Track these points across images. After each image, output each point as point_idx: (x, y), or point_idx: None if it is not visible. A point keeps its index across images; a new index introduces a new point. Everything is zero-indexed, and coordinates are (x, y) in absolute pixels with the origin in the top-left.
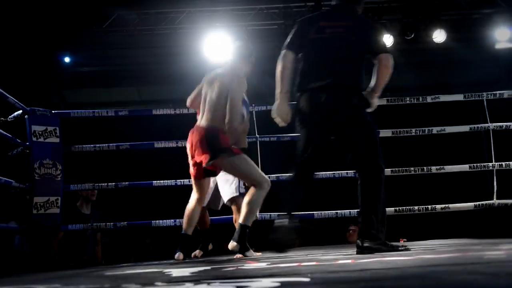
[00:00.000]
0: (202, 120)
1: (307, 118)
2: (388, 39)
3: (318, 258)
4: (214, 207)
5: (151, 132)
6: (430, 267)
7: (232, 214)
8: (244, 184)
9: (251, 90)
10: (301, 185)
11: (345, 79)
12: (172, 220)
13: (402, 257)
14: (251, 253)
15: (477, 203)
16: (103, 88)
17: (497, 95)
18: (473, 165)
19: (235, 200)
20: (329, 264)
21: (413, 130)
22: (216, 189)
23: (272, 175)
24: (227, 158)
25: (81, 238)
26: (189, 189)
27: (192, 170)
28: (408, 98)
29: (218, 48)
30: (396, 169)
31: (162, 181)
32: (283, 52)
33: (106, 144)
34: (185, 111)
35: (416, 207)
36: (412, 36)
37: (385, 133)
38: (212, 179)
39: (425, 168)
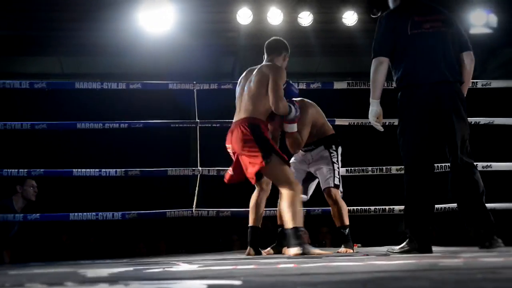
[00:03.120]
0: (240, 113)
1: (418, 115)
2: (351, 16)
3: (258, 261)
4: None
5: (73, 110)
6: (376, 273)
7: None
8: (338, 175)
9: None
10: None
11: (452, 75)
12: (94, 214)
13: (351, 262)
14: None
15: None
16: (17, 56)
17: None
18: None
19: (331, 191)
20: (268, 268)
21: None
22: (307, 177)
23: (213, 168)
24: (276, 158)
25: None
26: (116, 180)
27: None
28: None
29: (156, 17)
30: (351, 168)
31: (85, 169)
32: (377, 59)
33: (19, 122)
34: (114, 86)
35: (372, 208)
36: (379, 14)
37: (341, 121)
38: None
39: (384, 168)
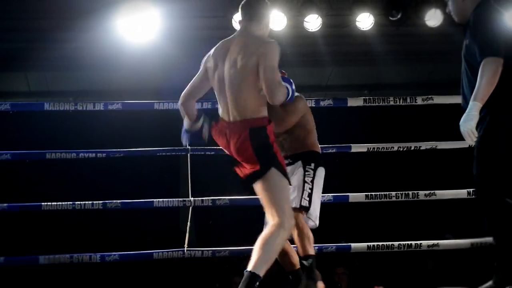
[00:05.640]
0: (230, 113)
1: None
2: (367, 19)
3: None
4: None
5: (42, 136)
6: None
7: None
8: (308, 197)
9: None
10: None
11: None
12: (68, 255)
13: None
14: None
15: (475, 240)
16: None
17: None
18: (473, 191)
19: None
20: None
21: (395, 145)
22: None
23: (206, 198)
24: (276, 174)
25: None
26: (94, 215)
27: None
28: (391, 98)
29: (138, 24)
30: (373, 193)
31: (55, 203)
32: (498, 60)
33: None
34: (89, 106)
35: (396, 243)
36: (399, 16)
37: (358, 148)
38: None
39: (410, 193)
